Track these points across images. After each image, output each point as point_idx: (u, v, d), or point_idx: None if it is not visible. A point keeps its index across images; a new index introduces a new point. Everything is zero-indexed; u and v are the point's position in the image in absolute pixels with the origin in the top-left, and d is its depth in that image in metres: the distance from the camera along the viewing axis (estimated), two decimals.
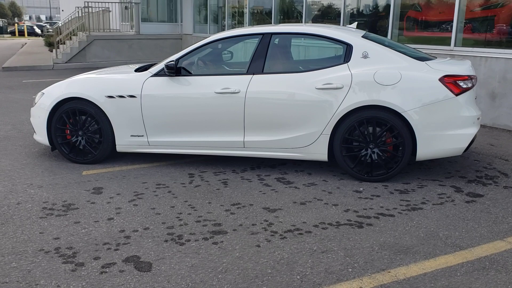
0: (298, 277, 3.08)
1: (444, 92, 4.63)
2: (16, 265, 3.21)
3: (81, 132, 5.38)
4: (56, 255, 3.36)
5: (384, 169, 4.81)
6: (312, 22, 10.87)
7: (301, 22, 11.20)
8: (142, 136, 5.24)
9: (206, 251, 3.41)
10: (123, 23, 19.78)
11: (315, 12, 11.01)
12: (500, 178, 5.00)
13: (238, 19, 14.19)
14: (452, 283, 2.99)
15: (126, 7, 18.96)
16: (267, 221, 3.93)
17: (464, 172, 5.18)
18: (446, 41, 8.32)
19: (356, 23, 5.67)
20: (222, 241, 3.57)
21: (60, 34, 17.30)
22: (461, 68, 4.82)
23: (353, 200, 4.37)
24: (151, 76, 5.20)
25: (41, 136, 5.53)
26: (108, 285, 2.98)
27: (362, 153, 4.83)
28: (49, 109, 5.39)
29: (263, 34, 5.12)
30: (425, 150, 4.71)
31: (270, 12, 12.48)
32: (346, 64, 4.84)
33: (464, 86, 4.70)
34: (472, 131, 4.73)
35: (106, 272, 3.13)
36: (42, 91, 5.67)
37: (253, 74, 4.99)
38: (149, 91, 5.14)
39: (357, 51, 4.86)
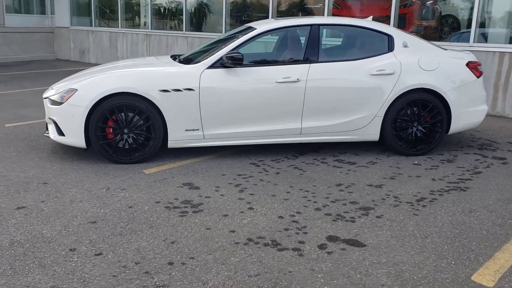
0: (484, 231, 3.59)
1: (470, 75, 5.51)
2: (256, 259, 3.14)
3: (127, 130, 5.03)
4: (257, 245, 3.33)
5: (425, 144, 5.52)
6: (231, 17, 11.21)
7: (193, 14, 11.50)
8: (198, 130, 5.14)
9: (391, 222, 3.71)
10: None
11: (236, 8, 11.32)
12: (497, 144, 6.08)
13: (135, 11, 13.69)
14: None
15: None
16: (388, 195, 4.33)
17: (465, 144, 6.14)
18: None
19: (371, 16, 6.27)
20: (381, 215, 3.88)
21: None
22: (472, 56, 5.77)
23: (424, 171, 4.99)
24: (207, 68, 5.11)
25: (74, 138, 5.02)
26: (345, 263, 3.13)
27: (408, 131, 5.47)
28: (89, 106, 4.93)
29: (311, 25, 5.41)
30: (456, 125, 5.54)
31: (172, 4, 12.42)
32: (391, 52, 5.41)
33: (481, 70, 5.64)
34: (486, 107, 5.71)
35: (329, 252, 3.25)
36: (58, 86, 5.13)
37: (310, 63, 5.26)
38: (208, 84, 5.05)
39: (398, 41, 5.48)
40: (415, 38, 5.59)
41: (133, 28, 13.61)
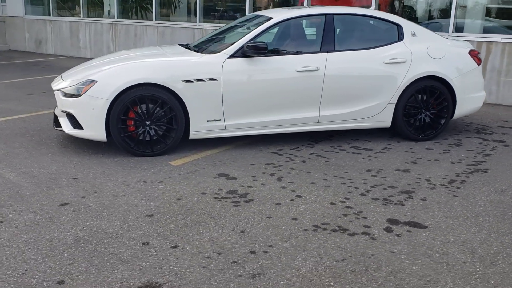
0: None
1: (472, 63, 5.81)
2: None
3: (148, 122, 4.94)
4: (326, 231, 3.41)
5: (432, 129, 5.78)
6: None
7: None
8: (219, 120, 5.12)
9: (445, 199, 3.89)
10: None
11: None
12: (490, 128, 6.44)
13: None
14: None
15: None
16: (420, 179, 4.52)
17: (463, 129, 6.47)
18: None
19: (373, 6, 6.42)
20: (425, 198, 4.06)
21: None
22: (471, 45, 6.07)
23: (439, 155, 5.22)
24: (228, 57, 5.09)
25: (94, 131, 4.86)
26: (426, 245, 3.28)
27: (417, 117, 5.69)
28: (111, 98, 4.79)
29: (325, 14, 5.50)
30: (460, 110, 5.83)
31: None
32: (401, 41, 5.61)
33: (480, 58, 5.95)
34: (484, 93, 6.04)
35: (397, 234, 3.38)
36: (72, 78, 4.95)
37: (327, 52, 5.35)
38: (230, 73, 5.04)
39: (407, 30, 5.67)
40: (420, 27, 5.81)
41: (97, 17, 13.15)
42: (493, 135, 6.09)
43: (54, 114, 5.31)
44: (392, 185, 4.33)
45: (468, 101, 5.84)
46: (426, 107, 5.67)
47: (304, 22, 5.63)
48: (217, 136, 5.17)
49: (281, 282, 2.77)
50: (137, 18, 12.42)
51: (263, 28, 5.27)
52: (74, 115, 4.90)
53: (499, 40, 7.86)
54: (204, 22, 11.09)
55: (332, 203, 3.89)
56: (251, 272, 2.87)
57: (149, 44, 11.93)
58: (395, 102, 5.54)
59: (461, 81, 5.69)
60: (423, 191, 4.19)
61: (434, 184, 4.35)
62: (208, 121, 5.08)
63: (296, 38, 5.64)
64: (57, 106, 5.34)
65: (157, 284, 2.73)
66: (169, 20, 11.86)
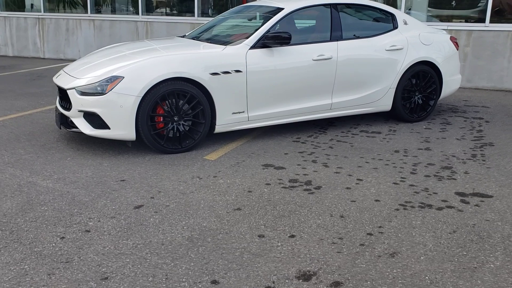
0: None
1: (453, 48, 6.35)
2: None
3: (177, 117, 4.81)
4: (414, 208, 3.63)
5: (423, 111, 6.25)
6: None
7: None
8: (243, 112, 5.12)
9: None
10: None
11: None
12: (460, 107, 7.08)
13: None
14: None
15: None
16: (445, 155, 4.91)
17: (440, 109, 7.04)
18: None
19: None
20: (467, 171, 4.43)
21: None
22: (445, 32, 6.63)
23: (442, 133, 5.66)
24: (250, 48, 5.10)
25: (123, 130, 4.64)
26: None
27: (412, 100, 6.12)
28: (141, 94, 4.60)
29: (331, 4, 5.69)
30: (444, 92, 6.36)
31: None
32: (397, 29, 5.97)
33: (458, 43, 6.53)
34: (460, 76, 6.63)
35: (476, 205, 3.70)
36: (89, 76, 4.68)
37: (337, 40, 5.56)
38: (254, 64, 5.06)
39: (399, 19, 6.06)
40: (408, 16, 6.23)
41: (18, 11, 12.13)
42: (468, 113, 6.71)
43: (61, 115, 4.96)
44: (429, 162, 4.65)
45: (451, 83, 6.37)
46: (418, 90, 6.10)
47: (315, 11, 5.74)
48: (240, 128, 5.15)
49: (421, 258, 2.92)
50: (66, 12, 11.67)
51: (278, 18, 5.32)
52: (100, 114, 4.61)
53: (445, 27, 8.58)
54: (147, 14, 10.73)
55: (395, 183, 4.11)
56: (385, 251, 2.99)
57: (84, 39, 11.29)
58: (395, 86, 5.90)
59: (446, 65, 6.20)
60: (460, 165, 4.56)
61: (463, 159, 4.75)
62: (233, 113, 5.05)
63: (308, 27, 5.75)
64: (58, 106, 5.00)
65: (310, 272, 2.76)
66: (107, 13, 11.30)
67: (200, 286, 2.63)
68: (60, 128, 5.06)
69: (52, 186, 3.99)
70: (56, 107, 5.20)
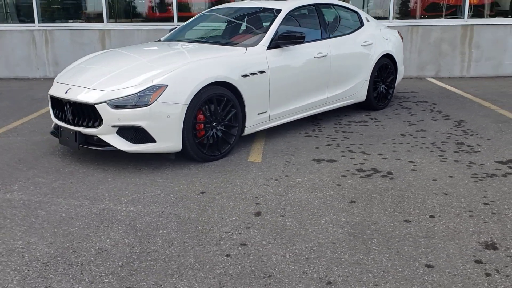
0: None
1: (400, 41, 7.15)
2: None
3: (215, 123, 4.70)
4: (485, 179, 4.16)
5: (386, 98, 6.94)
6: None
7: None
8: (265, 112, 5.18)
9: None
10: None
11: None
12: (408, 97, 7.94)
13: None
14: None
15: None
16: (444, 134, 5.58)
17: (395, 97, 7.79)
18: None
19: None
20: (480, 144, 5.14)
21: None
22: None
23: (415, 118, 6.33)
24: (267, 49, 5.17)
25: (170, 141, 4.38)
26: None
27: (378, 90, 6.76)
28: (188, 101, 4.40)
29: (315, 4, 5.99)
30: (398, 80, 7.14)
31: None
32: (364, 27, 6.53)
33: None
34: (403, 66, 7.49)
35: None
36: (115, 87, 4.33)
37: (327, 38, 5.90)
38: (273, 64, 5.14)
39: (363, 16, 6.63)
40: (366, 14, 6.83)
41: None
42: (410, 98, 7.58)
43: (80, 133, 4.45)
44: (442, 141, 5.25)
45: (400, 73, 7.16)
46: (382, 81, 6.75)
47: (306, 11, 5.94)
48: (262, 128, 5.19)
49: None
50: None
51: (282, 18, 5.45)
52: (144, 127, 4.26)
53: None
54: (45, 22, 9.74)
55: (442, 161, 4.59)
56: None
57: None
58: (369, 78, 6.44)
59: (399, 56, 6.95)
60: (466, 140, 5.25)
61: (461, 135, 5.45)
62: (258, 114, 5.07)
63: (304, 26, 5.94)
64: (64, 125, 4.52)
65: (492, 243, 3.07)
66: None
67: (410, 270, 2.75)
68: (79, 149, 4.52)
69: (133, 209, 3.63)
70: (60, 126, 4.65)
